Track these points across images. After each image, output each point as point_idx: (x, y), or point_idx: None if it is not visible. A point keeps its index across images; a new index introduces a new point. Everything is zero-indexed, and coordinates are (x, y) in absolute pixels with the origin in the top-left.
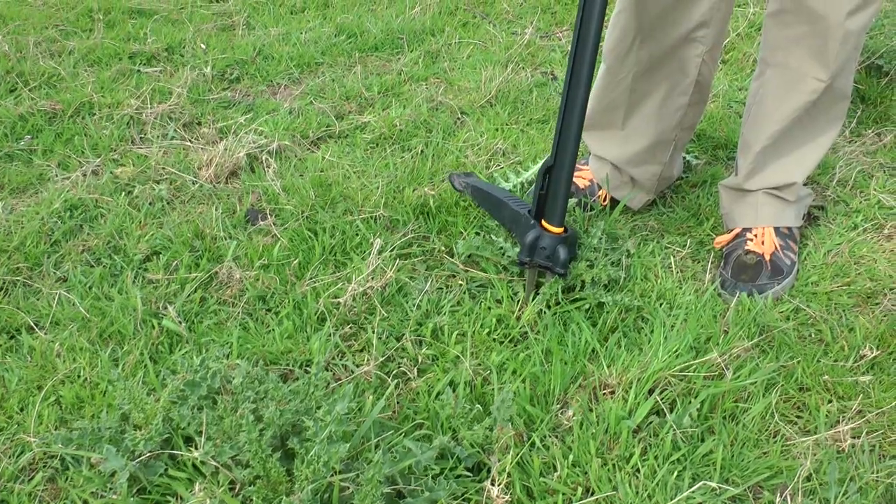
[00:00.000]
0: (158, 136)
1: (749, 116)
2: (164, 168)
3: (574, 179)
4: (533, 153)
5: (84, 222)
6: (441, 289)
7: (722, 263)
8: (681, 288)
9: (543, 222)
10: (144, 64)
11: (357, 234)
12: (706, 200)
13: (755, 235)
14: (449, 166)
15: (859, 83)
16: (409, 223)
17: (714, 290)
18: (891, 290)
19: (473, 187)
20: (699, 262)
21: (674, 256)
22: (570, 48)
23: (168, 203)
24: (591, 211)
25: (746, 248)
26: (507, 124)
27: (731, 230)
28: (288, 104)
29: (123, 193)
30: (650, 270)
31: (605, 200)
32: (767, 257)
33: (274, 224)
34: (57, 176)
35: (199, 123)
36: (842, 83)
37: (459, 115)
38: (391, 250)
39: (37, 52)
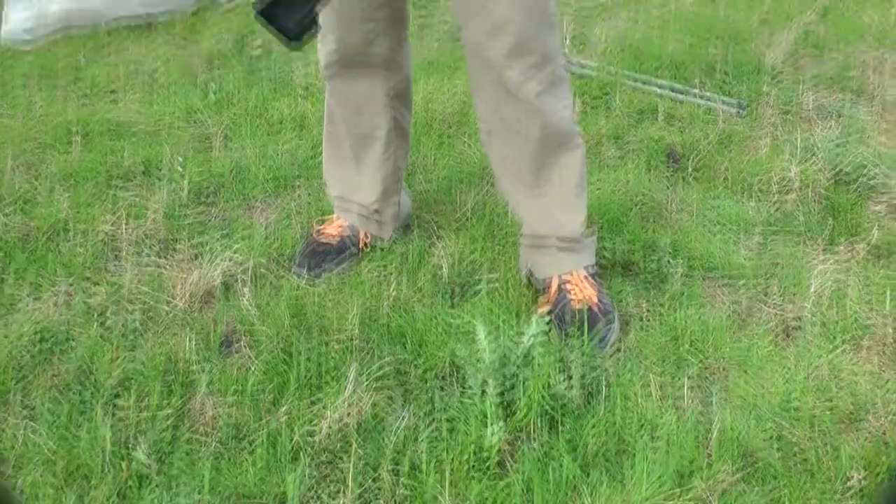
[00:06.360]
0: (133, 254)
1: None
2: (138, 289)
3: (322, 239)
4: (510, 269)
5: (54, 346)
6: (419, 417)
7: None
8: (661, 413)
9: None
10: (121, 179)
11: (332, 361)
12: (683, 321)
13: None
14: None
15: (829, 196)
16: (385, 348)
17: (695, 414)
18: (873, 405)
19: None
20: (678, 378)
21: (652, 374)
22: None
23: (142, 328)
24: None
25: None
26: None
27: (548, 287)
28: (264, 223)
29: (96, 316)
30: (630, 390)
31: (365, 242)
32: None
33: (248, 348)
34: (28, 302)
35: (175, 240)
36: None
37: (436, 230)
38: (367, 379)
39: (13, 175)
